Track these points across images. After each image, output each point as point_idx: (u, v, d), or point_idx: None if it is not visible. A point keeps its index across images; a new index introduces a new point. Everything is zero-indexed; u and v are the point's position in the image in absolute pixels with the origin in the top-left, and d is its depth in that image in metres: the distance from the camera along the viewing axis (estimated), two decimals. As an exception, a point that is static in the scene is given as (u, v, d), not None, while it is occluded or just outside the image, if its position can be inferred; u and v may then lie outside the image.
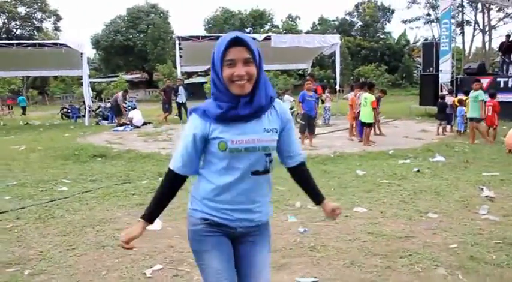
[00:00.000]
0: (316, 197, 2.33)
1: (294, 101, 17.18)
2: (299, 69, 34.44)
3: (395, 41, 56.10)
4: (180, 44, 19.64)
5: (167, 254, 4.21)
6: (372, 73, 42.55)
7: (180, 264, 3.99)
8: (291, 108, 17.21)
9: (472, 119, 11.33)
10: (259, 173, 2.03)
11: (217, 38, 18.96)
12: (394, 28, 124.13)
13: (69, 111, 24.35)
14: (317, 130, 13.68)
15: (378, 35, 57.97)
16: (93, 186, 7.12)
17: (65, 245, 4.53)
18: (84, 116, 21.43)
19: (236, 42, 1.89)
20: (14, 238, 4.80)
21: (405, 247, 4.26)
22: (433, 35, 46.49)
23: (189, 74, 44.80)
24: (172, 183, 2.09)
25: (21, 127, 20.55)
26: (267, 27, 58.84)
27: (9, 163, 9.73)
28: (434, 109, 14.71)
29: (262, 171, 2.05)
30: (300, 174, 2.27)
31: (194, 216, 2.10)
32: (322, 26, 58.37)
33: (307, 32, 54.19)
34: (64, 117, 24.54)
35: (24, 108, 31.26)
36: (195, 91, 45.46)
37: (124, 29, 55.86)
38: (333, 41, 20.28)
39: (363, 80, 35.00)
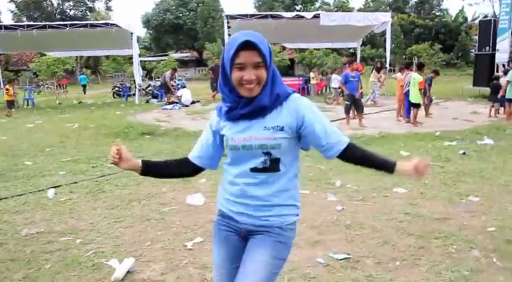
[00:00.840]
0: (387, 167, 2.07)
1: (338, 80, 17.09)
2: (349, 48, 33.86)
3: (452, 18, 53.90)
4: (228, 22, 19.78)
5: (207, 228, 4.44)
6: (425, 52, 41.18)
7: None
8: (339, 87, 17.14)
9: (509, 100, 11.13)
10: (259, 170, 1.96)
11: (266, 16, 19.04)
12: (451, 4, 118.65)
13: (120, 90, 25.15)
14: (365, 110, 13.63)
15: (433, 12, 55.85)
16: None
17: (113, 217, 4.87)
18: (134, 94, 22.11)
19: (247, 45, 1.82)
20: (67, 210, 5.20)
21: (441, 228, 4.30)
22: (494, 12, 44.33)
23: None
24: (181, 163, 2.16)
25: (75, 106, 21.50)
26: (317, 4, 57.90)
27: (63, 140, 10.31)
28: (488, 90, 14.24)
29: (262, 169, 1.96)
30: (352, 157, 2.08)
31: (217, 207, 2.16)
32: (375, 3, 56.83)
33: (359, 10, 53.02)
34: (115, 95, 25.39)
35: (84, 87, 32.76)
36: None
37: (174, 7, 56.52)
38: (383, 19, 19.82)
39: (415, 59, 34.03)
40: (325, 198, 5.33)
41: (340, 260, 3.66)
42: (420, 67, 11.56)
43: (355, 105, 11.00)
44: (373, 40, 43.73)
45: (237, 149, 1.96)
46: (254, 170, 1.96)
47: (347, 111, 10.99)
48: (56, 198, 5.70)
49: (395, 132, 9.86)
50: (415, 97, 10.95)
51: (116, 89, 25.84)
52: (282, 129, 1.92)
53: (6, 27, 19.84)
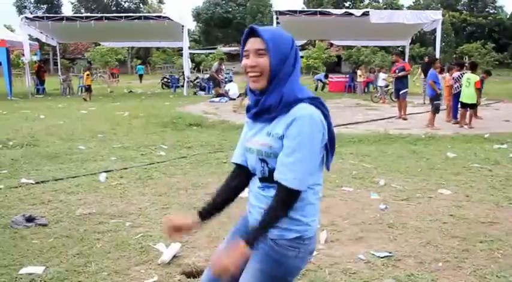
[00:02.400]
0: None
1: (385, 79, 16.85)
2: (397, 46, 33.22)
3: (508, 16, 51.83)
4: (277, 18, 19.78)
5: (251, 219, 4.49)
6: (477, 51, 39.89)
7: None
8: (386, 86, 16.87)
9: None
10: (261, 179, 1.86)
11: (315, 13, 18.97)
12: (507, 1, 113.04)
13: (169, 81, 25.64)
14: (412, 109, 13.39)
15: (487, 9, 53.90)
16: (188, 153, 7.64)
17: (161, 204, 5.00)
18: (183, 86, 22.48)
19: (251, 33, 1.78)
20: (118, 194, 5.39)
21: (487, 232, 4.20)
22: (552, 10, 42.26)
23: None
24: (232, 177, 2.02)
25: (125, 95, 22.07)
26: (366, 1, 57.05)
27: (114, 127, 10.64)
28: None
29: (261, 178, 1.86)
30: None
31: None
32: (426, 1, 55.44)
33: (409, 7, 51.88)
34: (164, 86, 25.89)
35: (141, 76, 34.13)
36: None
37: (224, 2, 57.03)
38: (434, 17, 19.30)
39: (466, 58, 32.96)
40: (368, 197, 5.29)
41: (382, 257, 3.64)
42: (473, 67, 11.20)
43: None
44: (423, 38, 42.63)
45: (247, 150, 1.89)
46: (259, 178, 1.86)
47: (435, 112, 10.71)
48: (107, 182, 5.92)
49: (442, 133, 9.63)
50: (470, 97, 10.57)
51: (165, 80, 26.35)
52: (279, 137, 1.75)
53: (67, 19, 20.59)
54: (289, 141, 1.71)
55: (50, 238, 4.05)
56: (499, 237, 4.09)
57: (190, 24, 59.09)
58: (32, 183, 5.83)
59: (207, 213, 1.99)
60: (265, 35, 1.74)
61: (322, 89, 23.35)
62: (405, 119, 11.96)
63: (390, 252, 3.73)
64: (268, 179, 1.81)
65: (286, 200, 1.73)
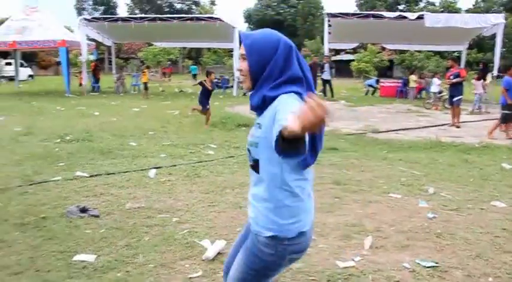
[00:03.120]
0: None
1: (440, 84, 16.39)
2: (453, 51, 32.17)
3: None
4: (329, 20, 19.70)
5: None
6: (540, 58, 38.15)
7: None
8: (440, 92, 16.44)
9: None
10: (251, 166, 1.99)
11: (368, 15, 18.72)
12: None
13: (219, 81, 25.98)
14: (466, 117, 13.00)
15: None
16: (236, 153, 7.75)
17: (208, 201, 5.12)
18: (232, 86, 22.73)
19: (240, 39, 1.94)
20: (166, 190, 5.56)
21: (542, 248, 4.04)
22: None
23: (337, 51, 44.55)
24: None
25: (176, 94, 22.55)
26: (422, 4, 55.70)
27: (165, 125, 10.93)
28: None
29: (251, 165, 1.98)
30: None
31: None
32: (486, 3, 53.50)
33: (468, 11, 50.17)
34: (215, 87, 26.24)
35: (195, 76, 35.33)
36: (342, 68, 45.24)
37: (275, 3, 57.20)
38: (494, 21, 18.60)
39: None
40: (416, 204, 5.20)
41: (428, 267, 3.58)
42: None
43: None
44: (481, 43, 41.11)
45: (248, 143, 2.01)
46: (250, 166, 2.00)
47: (504, 121, 10.30)
48: (156, 178, 6.10)
49: (497, 143, 9.29)
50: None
51: (215, 80, 26.68)
52: (260, 127, 1.87)
53: (122, 19, 21.31)
54: (276, 121, 1.68)
55: (101, 229, 4.24)
56: (554, 253, 3.93)
57: (242, 26, 59.64)
58: (86, 177, 6.10)
59: None
60: (245, 41, 1.89)
61: (373, 93, 22.98)
62: (458, 127, 11.63)
63: (437, 263, 3.67)
64: (254, 167, 1.94)
65: None
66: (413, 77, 20.75)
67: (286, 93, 1.82)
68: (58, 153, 7.65)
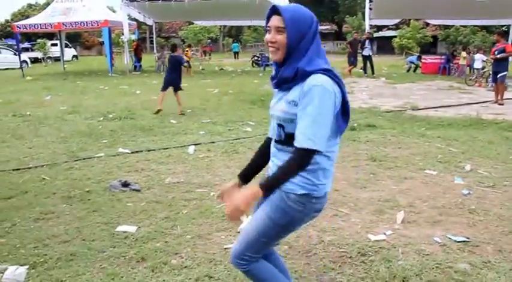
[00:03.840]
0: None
1: (486, 60, 15.80)
2: (502, 25, 30.76)
3: None
4: (371, -4, 19.29)
5: (331, 196, 4.60)
6: None
7: (341, 206, 4.36)
8: (483, 68, 15.92)
9: None
10: (276, 141, 2.08)
11: (410, -10, 17.93)
12: None
13: (259, 59, 25.98)
14: (510, 95, 12.59)
15: None
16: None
17: (244, 176, 5.25)
18: (272, 64, 22.72)
19: (274, 11, 1.95)
20: (204, 166, 5.74)
21: None
22: None
23: (379, 27, 43.50)
24: (263, 144, 2.35)
25: (216, 72, 22.74)
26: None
27: (204, 103, 11.14)
28: None
29: (277, 141, 2.06)
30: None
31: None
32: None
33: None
34: (254, 65, 26.30)
35: (236, 54, 35.91)
36: (383, 45, 44.21)
37: (316, -21, 56.07)
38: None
39: None
40: (452, 181, 5.17)
41: (458, 242, 3.60)
42: None
43: None
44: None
45: (270, 117, 2.11)
46: (275, 141, 2.08)
47: None
48: (195, 154, 6.30)
49: (542, 120, 9.00)
50: None
51: (255, 58, 26.74)
52: (294, 104, 1.94)
53: (163, -1, 21.55)
54: (303, 108, 1.89)
55: (142, 202, 4.46)
56: None
57: (282, 2, 59.01)
58: (128, 153, 6.37)
59: (245, 176, 2.31)
60: (286, 15, 1.91)
61: (415, 70, 22.45)
62: (502, 104, 11.28)
63: (468, 238, 3.68)
64: (283, 142, 2.03)
65: (300, 159, 1.88)
66: (463, 54, 19.98)
67: (319, 70, 1.91)
68: (101, 130, 7.98)
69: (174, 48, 10.20)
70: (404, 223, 3.98)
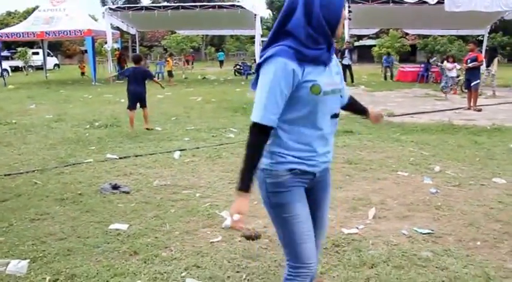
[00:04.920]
0: (362, 111, 2.57)
1: (459, 69, 16.34)
2: (477, 35, 31.64)
3: None
4: (349, 6, 19.79)
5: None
6: None
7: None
8: (457, 77, 16.45)
9: None
10: (336, 116, 2.14)
11: (388, 1, 18.57)
12: None
13: (241, 68, 26.42)
14: (482, 101, 13.17)
15: None
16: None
17: (228, 179, 5.59)
18: (254, 73, 23.13)
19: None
20: (190, 170, 6.05)
21: (533, 218, 4.38)
22: None
23: (359, 37, 44.35)
24: (265, 139, 2.00)
25: (199, 81, 23.07)
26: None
27: (188, 111, 11.47)
28: None
29: (337, 115, 2.15)
30: None
31: (277, 169, 2.03)
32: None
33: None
34: (236, 73, 26.73)
35: (221, 62, 36.46)
36: (364, 54, 45.07)
37: (297, -11, 56.98)
38: (517, 5, 18.46)
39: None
40: (421, 181, 5.57)
41: (424, 234, 3.98)
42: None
43: None
44: (508, 26, 40.43)
45: (329, 94, 2.02)
46: (335, 116, 2.13)
47: None
48: (181, 159, 6.62)
49: (509, 125, 9.51)
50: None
51: (237, 67, 27.19)
52: (341, 78, 2.19)
53: (146, 8, 21.89)
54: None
55: (132, 203, 4.76)
56: (543, 223, 4.27)
57: (264, 12, 59.73)
58: (116, 158, 6.65)
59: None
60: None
61: (391, 77, 22.97)
62: (480, 110, 11.73)
63: (432, 230, 4.06)
64: (338, 115, 2.17)
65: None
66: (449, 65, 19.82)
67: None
68: (88, 137, 8.25)
69: (137, 59, 9.18)
70: (375, 218, 4.35)
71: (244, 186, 1.95)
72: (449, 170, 6.06)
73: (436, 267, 3.37)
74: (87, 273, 3.26)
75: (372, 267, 3.35)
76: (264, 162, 2.02)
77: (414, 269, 3.33)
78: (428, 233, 3.99)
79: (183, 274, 3.25)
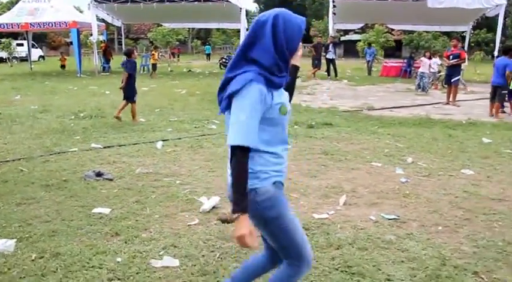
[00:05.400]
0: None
1: (441, 64, 16.72)
2: (462, 31, 31.97)
3: None
4: (333, 1, 20.05)
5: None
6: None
7: (292, 192, 4.89)
8: (438, 72, 16.82)
9: None
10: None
11: (374, -4, 18.56)
12: None
13: (226, 61, 26.56)
14: (461, 96, 13.53)
15: None
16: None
17: (208, 168, 5.83)
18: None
19: None
20: (172, 159, 6.28)
21: (493, 207, 4.65)
22: None
23: (345, 31, 44.58)
24: (248, 160, 2.05)
25: (184, 74, 23.20)
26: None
27: (172, 103, 11.67)
28: None
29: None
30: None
31: (264, 186, 2.14)
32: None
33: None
34: (222, 66, 26.87)
35: (208, 55, 36.58)
36: (349, 48, 45.42)
37: (284, -17, 57.03)
38: (498, 2, 18.85)
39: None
40: (393, 171, 5.85)
41: (390, 219, 4.26)
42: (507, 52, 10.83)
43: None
44: (490, 23, 40.94)
45: (289, 111, 2.22)
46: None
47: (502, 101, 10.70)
48: (163, 149, 6.84)
49: (484, 120, 9.87)
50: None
51: (223, 60, 27.34)
52: None
53: (132, 1, 21.85)
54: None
55: (115, 189, 4.98)
56: (502, 211, 4.52)
57: (250, 6, 59.84)
58: (101, 148, 6.86)
59: None
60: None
61: (369, 71, 23.30)
62: (459, 106, 12.08)
63: (398, 216, 4.34)
64: None
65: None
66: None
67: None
68: (73, 128, 8.41)
69: (130, 53, 9.38)
70: (346, 205, 4.62)
71: (242, 208, 2.00)
72: (421, 161, 6.36)
73: (398, 249, 3.65)
74: (71, 251, 3.48)
75: (338, 249, 3.61)
76: (250, 184, 2.07)
77: (377, 251, 3.60)
78: (394, 219, 4.27)
79: (161, 253, 3.48)
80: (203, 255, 3.45)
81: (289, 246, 2.29)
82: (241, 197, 2.01)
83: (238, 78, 2.06)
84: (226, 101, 2.08)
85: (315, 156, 6.50)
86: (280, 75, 2.12)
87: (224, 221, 4.07)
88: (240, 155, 2.00)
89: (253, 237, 2.02)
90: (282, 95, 2.17)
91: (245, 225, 2.00)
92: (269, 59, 2.08)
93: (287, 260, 2.35)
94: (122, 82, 9.00)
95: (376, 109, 11.19)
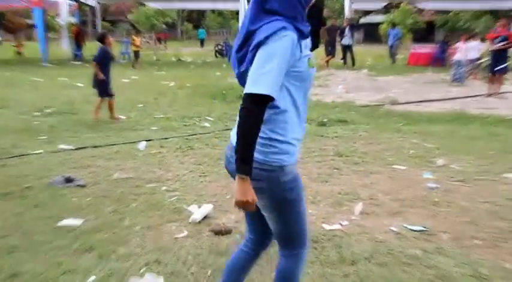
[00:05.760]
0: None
1: (478, 49, 16.59)
2: (510, 9, 31.55)
3: None
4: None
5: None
6: None
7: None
8: (478, 59, 16.68)
9: None
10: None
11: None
12: None
13: (223, 48, 26.65)
14: (507, 88, 13.53)
15: None
16: (234, 125, 8.49)
17: (199, 172, 5.89)
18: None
19: None
20: (156, 162, 6.35)
21: (541, 217, 4.69)
22: None
23: (365, 12, 44.67)
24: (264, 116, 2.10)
25: (173, 63, 23.31)
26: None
27: (157, 98, 11.77)
28: None
29: None
30: None
31: (292, 163, 2.27)
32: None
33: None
34: (218, 55, 26.97)
35: (202, 41, 36.52)
36: (371, 32, 45.32)
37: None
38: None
39: None
40: (420, 176, 5.88)
41: (415, 231, 4.29)
42: None
43: None
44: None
45: (309, 80, 2.30)
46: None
47: None
48: (146, 150, 6.91)
49: (532, 115, 9.89)
50: None
51: (219, 47, 27.43)
52: None
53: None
54: None
55: (88, 197, 5.03)
56: (552, 222, 4.58)
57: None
58: (72, 149, 6.92)
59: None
60: None
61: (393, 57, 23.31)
62: (504, 99, 12.11)
63: (425, 227, 4.37)
64: None
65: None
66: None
67: None
68: (38, 126, 8.48)
69: (103, 38, 9.49)
70: (362, 214, 4.66)
71: (249, 169, 2.09)
72: (454, 163, 6.39)
73: (424, 265, 3.68)
74: (33, 270, 3.52)
75: (352, 264, 3.65)
76: (275, 158, 2.20)
77: (399, 267, 3.64)
78: (420, 230, 4.30)
79: (142, 270, 3.53)
80: (192, 273, 3.49)
81: (298, 232, 2.44)
82: (251, 155, 2.07)
83: (266, 27, 2.09)
84: (252, 53, 2.11)
85: (326, 158, 6.55)
86: (305, 24, 2.22)
87: (218, 232, 4.12)
88: (258, 107, 2.04)
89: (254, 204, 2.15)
90: (307, 47, 2.25)
91: (251, 189, 2.11)
92: (291, 7, 2.14)
93: (286, 250, 2.50)
94: (97, 75, 8.99)
95: (401, 103, 11.24)
